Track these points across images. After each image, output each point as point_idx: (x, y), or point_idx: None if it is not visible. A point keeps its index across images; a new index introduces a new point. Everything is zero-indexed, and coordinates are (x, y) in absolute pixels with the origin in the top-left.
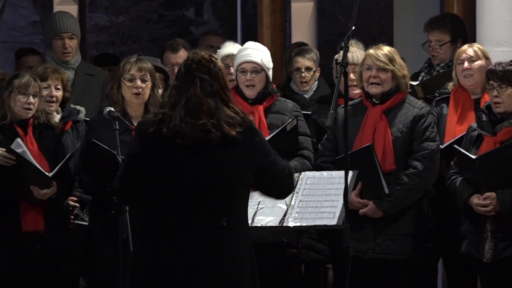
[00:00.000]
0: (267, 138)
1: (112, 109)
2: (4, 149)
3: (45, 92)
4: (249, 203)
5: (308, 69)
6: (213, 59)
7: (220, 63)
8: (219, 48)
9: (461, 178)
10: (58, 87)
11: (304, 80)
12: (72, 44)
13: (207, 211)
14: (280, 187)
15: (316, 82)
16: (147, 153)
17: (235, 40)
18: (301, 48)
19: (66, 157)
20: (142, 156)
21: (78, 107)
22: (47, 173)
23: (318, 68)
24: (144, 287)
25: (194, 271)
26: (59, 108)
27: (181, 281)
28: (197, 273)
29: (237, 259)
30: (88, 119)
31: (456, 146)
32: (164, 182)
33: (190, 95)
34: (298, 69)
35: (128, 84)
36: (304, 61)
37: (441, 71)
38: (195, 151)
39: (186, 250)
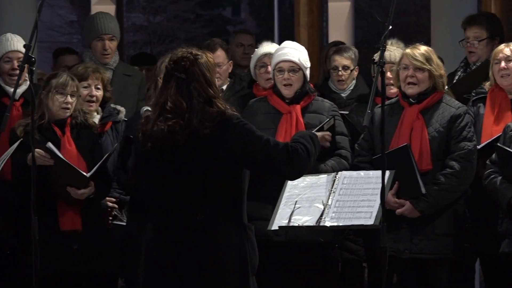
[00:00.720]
0: None
1: (149, 108)
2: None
3: (85, 92)
4: (286, 203)
5: (345, 67)
6: (192, 56)
7: (205, 59)
8: (249, 46)
9: (501, 177)
10: (98, 86)
11: (341, 78)
12: (112, 45)
13: (182, 208)
14: (279, 170)
15: (354, 81)
16: (136, 157)
17: (272, 40)
18: (340, 47)
19: (104, 157)
20: (135, 160)
21: (118, 107)
22: (84, 173)
23: (356, 67)
24: (144, 285)
25: (173, 268)
26: (99, 108)
27: (164, 277)
28: (176, 270)
29: (216, 256)
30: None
31: (499, 144)
32: (145, 184)
33: (166, 97)
34: (336, 67)
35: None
36: (341, 60)
37: (468, 72)
38: (165, 153)
39: (166, 248)
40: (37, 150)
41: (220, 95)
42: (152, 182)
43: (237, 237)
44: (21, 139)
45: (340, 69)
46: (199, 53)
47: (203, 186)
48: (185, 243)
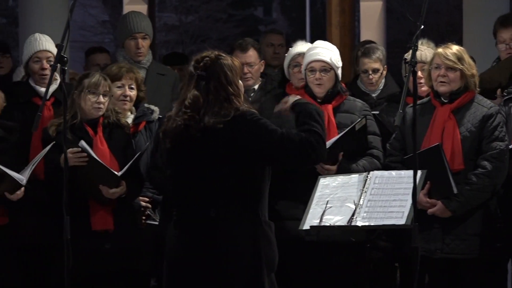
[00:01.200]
0: (335, 138)
1: None
2: (76, 150)
3: (118, 92)
4: (318, 202)
5: (375, 70)
6: (214, 56)
7: (228, 61)
8: (280, 46)
9: None
10: (132, 86)
11: (371, 81)
12: (145, 44)
13: (197, 204)
14: (293, 164)
15: (383, 80)
16: (160, 155)
17: (304, 40)
18: (367, 48)
19: (136, 156)
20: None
21: (152, 107)
22: (116, 172)
23: (385, 67)
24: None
25: (189, 263)
26: (133, 108)
27: (182, 272)
28: (192, 265)
29: (228, 251)
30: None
31: None
32: (171, 182)
33: (186, 94)
34: (366, 71)
35: None
36: (371, 63)
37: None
38: (182, 149)
39: (183, 243)
40: (69, 150)
41: (252, 94)
42: (173, 179)
43: (250, 233)
44: (54, 141)
45: (371, 72)
46: (224, 55)
47: (216, 181)
48: (199, 239)
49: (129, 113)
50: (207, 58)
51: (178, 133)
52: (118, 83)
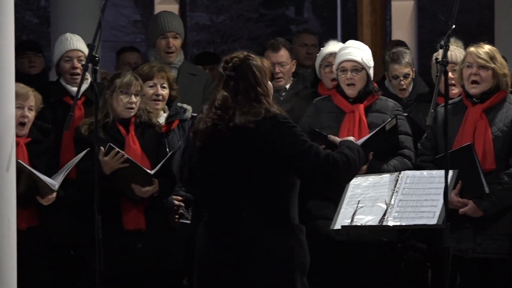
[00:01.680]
0: (365, 138)
1: None
2: (116, 151)
3: (151, 91)
4: (349, 202)
5: (406, 76)
6: (243, 57)
7: (258, 62)
8: (313, 46)
9: None
10: (164, 85)
11: (402, 87)
12: (176, 43)
13: (229, 205)
14: (315, 179)
15: (412, 82)
16: (188, 156)
17: (335, 39)
18: (396, 54)
19: (168, 155)
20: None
21: (185, 106)
22: (148, 171)
23: (414, 69)
24: (196, 281)
25: (220, 264)
26: (166, 107)
27: (212, 273)
28: (222, 266)
29: (259, 253)
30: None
31: None
32: (200, 182)
33: (216, 95)
34: (396, 76)
35: None
36: (401, 69)
37: None
38: (212, 149)
39: (214, 244)
40: (109, 155)
41: (283, 94)
42: (204, 179)
43: (282, 234)
44: (88, 148)
45: (401, 78)
46: (253, 55)
47: (247, 181)
48: (230, 240)
49: (162, 112)
50: (236, 59)
51: (208, 133)
52: (150, 83)
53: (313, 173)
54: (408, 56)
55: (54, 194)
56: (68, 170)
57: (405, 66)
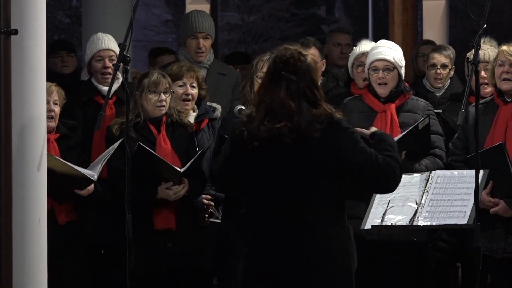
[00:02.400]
0: (398, 137)
1: (243, 107)
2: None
3: (180, 91)
4: (379, 202)
5: (444, 66)
6: (302, 56)
7: (310, 59)
8: (347, 46)
9: None
10: (194, 85)
11: (439, 77)
12: (206, 44)
13: (288, 209)
14: (374, 186)
15: (449, 81)
16: (234, 154)
17: (366, 39)
18: (439, 45)
19: (198, 154)
20: (232, 156)
21: (214, 105)
22: (178, 169)
23: (453, 67)
24: (248, 285)
25: (277, 268)
26: (195, 106)
27: (266, 277)
28: (280, 270)
29: (323, 257)
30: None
31: None
32: (250, 183)
33: (274, 97)
34: (434, 65)
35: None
36: (440, 58)
37: None
38: (272, 153)
39: (270, 247)
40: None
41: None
42: (254, 180)
43: (342, 238)
44: (122, 138)
45: (439, 67)
46: (306, 53)
47: (311, 187)
48: (291, 244)
49: (191, 112)
50: (296, 60)
51: (268, 138)
52: (180, 82)
53: (373, 181)
54: (450, 51)
55: (92, 185)
56: (105, 160)
57: (445, 57)
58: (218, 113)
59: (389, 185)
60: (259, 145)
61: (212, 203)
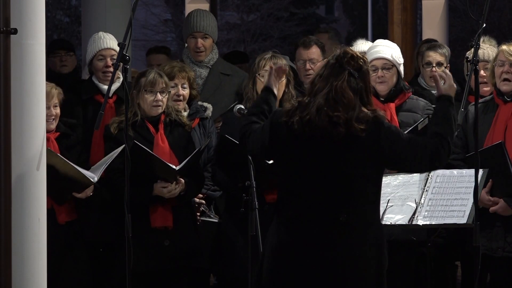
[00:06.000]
0: None
1: (242, 106)
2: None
3: (172, 91)
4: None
5: (439, 64)
6: (365, 59)
7: (367, 66)
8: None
9: None
10: (185, 85)
11: (434, 74)
12: (205, 43)
13: (326, 206)
14: (415, 166)
15: None
16: (274, 143)
17: (365, 38)
18: (433, 43)
19: (193, 152)
20: (271, 145)
21: (205, 104)
22: (173, 166)
23: (448, 65)
24: (270, 284)
25: (313, 267)
26: (186, 106)
27: (301, 277)
28: (315, 270)
29: (356, 257)
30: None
31: None
32: (287, 173)
33: (335, 85)
34: (429, 63)
35: (264, 80)
36: (435, 56)
37: None
38: (320, 144)
39: (301, 245)
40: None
41: None
42: (292, 170)
43: (375, 237)
44: (124, 145)
45: (434, 65)
46: (367, 58)
47: (349, 185)
48: (324, 242)
49: (182, 111)
50: (361, 60)
51: (322, 127)
52: (171, 83)
53: (417, 165)
54: (445, 50)
55: (92, 187)
56: (107, 165)
57: (440, 55)
58: (209, 112)
59: (433, 165)
60: (309, 132)
61: (204, 202)
